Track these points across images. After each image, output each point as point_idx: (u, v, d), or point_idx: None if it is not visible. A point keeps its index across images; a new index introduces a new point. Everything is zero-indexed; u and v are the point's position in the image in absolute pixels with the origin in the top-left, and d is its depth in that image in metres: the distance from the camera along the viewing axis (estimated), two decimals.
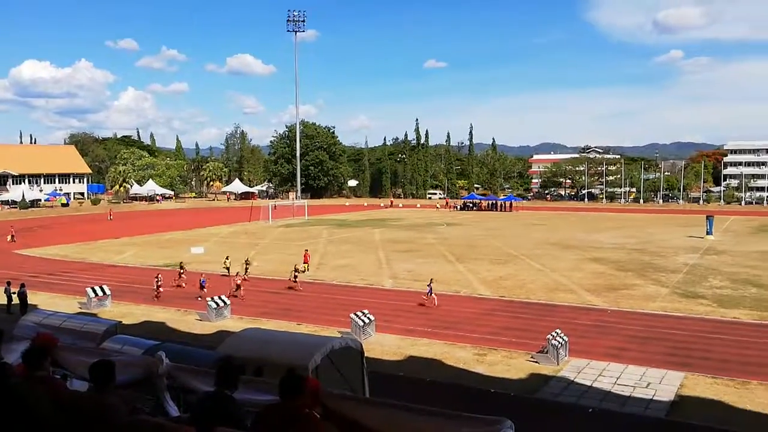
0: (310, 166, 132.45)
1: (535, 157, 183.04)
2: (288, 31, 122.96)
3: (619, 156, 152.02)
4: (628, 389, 18.00)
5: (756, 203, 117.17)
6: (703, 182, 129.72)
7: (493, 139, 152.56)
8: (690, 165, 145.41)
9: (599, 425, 15.30)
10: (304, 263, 38.42)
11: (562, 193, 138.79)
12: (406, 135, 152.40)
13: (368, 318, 24.13)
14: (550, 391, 18.08)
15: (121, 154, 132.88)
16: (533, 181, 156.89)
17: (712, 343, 22.94)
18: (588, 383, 18.57)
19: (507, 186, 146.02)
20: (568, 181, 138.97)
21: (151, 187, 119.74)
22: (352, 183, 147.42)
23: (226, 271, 36.06)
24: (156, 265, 41.59)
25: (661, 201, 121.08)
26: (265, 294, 31.90)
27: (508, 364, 20.60)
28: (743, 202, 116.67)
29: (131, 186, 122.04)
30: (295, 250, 45.79)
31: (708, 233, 56.89)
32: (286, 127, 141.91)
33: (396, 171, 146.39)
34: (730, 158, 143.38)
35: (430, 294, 28.74)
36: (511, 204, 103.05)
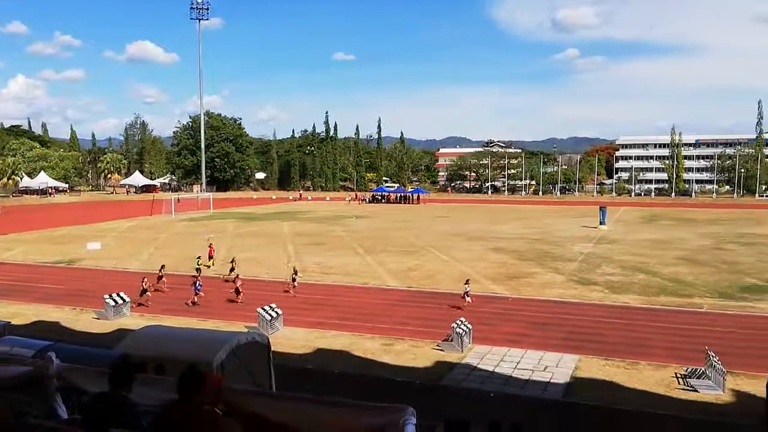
0: (215, 158, 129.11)
1: (442, 150, 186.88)
2: (191, 18, 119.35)
3: (520, 150, 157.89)
4: (527, 373, 18.83)
5: (644, 195, 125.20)
6: (597, 175, 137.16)
7: (402, 132, 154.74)
8: (585, 159, 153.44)
9: (500, 409, 15.90)
10: (209, 257, 37.49)
11: (467, 185, 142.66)
12: (314, 127, 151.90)
13: (276, 312, 23.90)
14: (454, 378, 18.61)
15: (10, 144, 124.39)
16: (440, 174, 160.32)
17: (604, 327, 24.35)
18: (490, 369, 19.27)
19: (415, 179, 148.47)
20: (472, 174, 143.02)
21: (43, 179, 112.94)
22: (260, 176, 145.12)
23: (196, 271, 33.18)
24: (48, 263, 39.34)
25: (558, 193, 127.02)
26: (167, 290, 30.81)
27: (415, 353, 21.01)
28: (633, 194, 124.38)
29: (21, 179, 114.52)
30: (199, 244, 44.56)
31: (601, 223, 60.26)
32: (190, 117, 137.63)
33: (305, 163, 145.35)
34: (621, 152, 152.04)
35: (466, 295, 27.22)
36: (418, 197, 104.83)
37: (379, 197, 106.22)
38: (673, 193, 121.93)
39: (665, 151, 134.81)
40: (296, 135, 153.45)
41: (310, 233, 56.27)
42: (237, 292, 28.26)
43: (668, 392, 17.47)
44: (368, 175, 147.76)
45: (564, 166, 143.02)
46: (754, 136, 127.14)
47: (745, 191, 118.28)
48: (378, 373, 18.93)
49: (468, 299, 27.20)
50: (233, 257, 34.92)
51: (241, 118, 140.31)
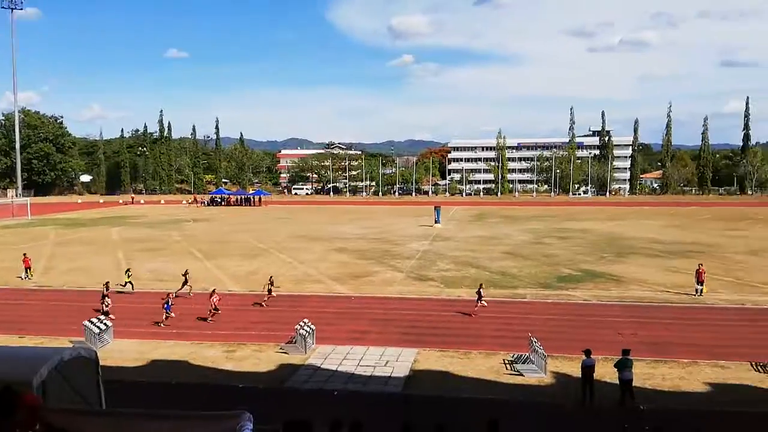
0: (33, 159, 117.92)
1: (283, 152, 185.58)
2: (3, 7, 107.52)
3: (360, 152, 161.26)
4: (369, 369, 19.28)
5: (474, 194, 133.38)
6: (432, 176, 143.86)
7: (241, 133, 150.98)
8: (421, 161, 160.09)
9: (343, 406, 16.12)
10: (26, 269, 34.15)
11: (310, 187, 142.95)
12: (146, 127, 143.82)
13: (105, 324, 22.32)
14: (298, 380, 18.58)
15: None
16: (282, 175, 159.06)
17: (440, 320, 25.58)
18: (334, 368, 19.48)
19: (256, 180, 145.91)
20: (314, 175, 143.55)
21: None
22: (85, 178, 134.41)
23: (122, 287, 30.13)
24: None
25: (397, 194, 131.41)
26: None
27: (258, 358, 20.67)
28: (464, 194, 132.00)
29: None
30: (14, 255, 40.36)
31: (436, 222, 63.31)
32: (3, 115, 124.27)
33: (137, 165, 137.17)
34: (453, 155, 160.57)
35: (480, 300, 26.56)
36: (260, 198, 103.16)
37: (219, 200, 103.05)
38: (499, 193, 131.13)
39: (492, 154, 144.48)
40: (126, 135, 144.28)
41: (143, 239, 53.18)
42: (214, 309, 25.42)
43: (498, 378, 18.76)
44: (207, 177, 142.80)
45: (402, 168, 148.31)
46: (567, 140, 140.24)
47: (560, 190, 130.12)
48: (220, 381, 18.39)
49: (483, 303, 26.49)
50: (186, 270, 30.83)
51: (62, 117, 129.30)
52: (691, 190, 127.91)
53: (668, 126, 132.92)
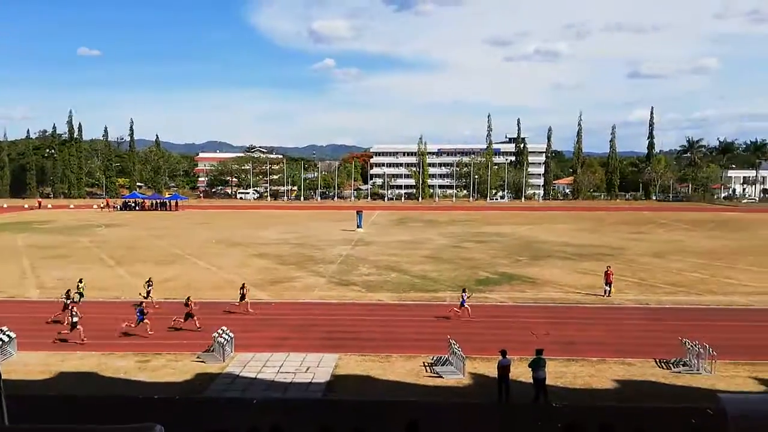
0: None
1: (202, 155, 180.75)
2: None
3: (281, 156, 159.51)
4: (290, 376, 19.09)
5: (396, 199, 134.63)
6: (354, 181, 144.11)
7: (157, 135, 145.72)
8: (343, 165, 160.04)
9: (262, 414, 15.89)
10: None
11: (229, 191, 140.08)
12: (55, 128, 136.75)
13: (8, 336, 21.05)
14: (216, 389, 18.15)
15: None
16: (200, 179, 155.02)
17: (361, 324, 25.66)
18: (253, 375, 19.16)
19: (173, 184, 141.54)
20: (234, 179, 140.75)
21: None
22: None
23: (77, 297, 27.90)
24: None
25: (319, 198, 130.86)
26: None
27: (174, 368, 20.04)
28: (386, 198, 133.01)
29: None
30: None
31: (358, 227, 63.49)
32: None
33: (44, 168, 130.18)
34: (375, 160, 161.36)
35: (463, 305, 26.15)
36: (176, 203, 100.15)
37: (133, 204, 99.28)
38: (420, 198, 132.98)
39: (413, 159, 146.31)
40: (32, 136, 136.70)
41: (50, 245, 50.51)
42: (188, 316, 24.48)
43: (418, 380, 19.01)
44: (120, 180, 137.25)
45: (324, 172, 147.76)
46: (485, 146, 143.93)
47: (479, 195, 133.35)
48: (132, 393, 17.70)
49: (467, 307, 26.13)
50: (149, 278, 29.87)
51: None
52: (600, 195, 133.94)
53: (579, 134, 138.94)
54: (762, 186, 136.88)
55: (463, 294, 26.62)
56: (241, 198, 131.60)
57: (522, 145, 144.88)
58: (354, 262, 41.90)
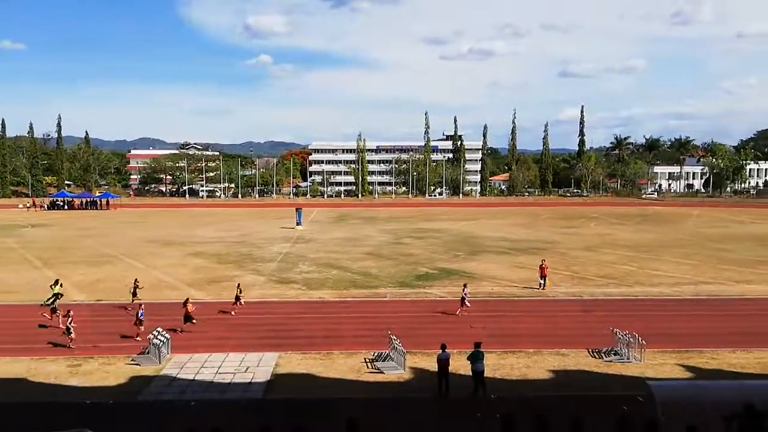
0: None
1: (134, 152, 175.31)
2: None
3: (218, 153, 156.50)
4: (229, 376, 18.77)
5: (336, 196, 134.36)
6: (293, 178, 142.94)
7: (86, 132, 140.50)
8: (282, 162, 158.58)
9: (201, 416, 15.59)
10: None
11: (163, 189, 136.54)
12: None
13: None
14: (152, 391, 17.67)
15: None
16: (132, 177, 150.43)
17: (303, 322, 25.48)
18: (191, 377, 18.74)
19: (104, 182, 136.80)
20: (168, 177, 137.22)
21: None
22: None
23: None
24: None
25: (257, 196, 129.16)
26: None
27: (107, 371, 19.39)
28: (326, 195, 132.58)
29: None
30: None
31: (298, 224, 63.02)
32: None
33: None
34: (314, 157, 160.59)
35: (464, 302, 26.26)
36: (107, 201, 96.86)
37: (61, 203, 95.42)
38: (360, 194, 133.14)
39: (352, 156, 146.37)
40: None
41: None
42: (186, 318, 23.72)
43: (359, 377, 19.04)
44: (47, 178, 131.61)
45: (262, 170, 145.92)
46: (423, 144, 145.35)
47: (417, 192, 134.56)
48: (64, 399, 17.04)
49: (467, 304, 26.28)
50: (136, 279, 28.71)
51: None
52: (535, 191, 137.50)
53: (513, 132, 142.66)
54: (686, 181, 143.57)
55: (464, 289, 27.02)
56: (203, 196, 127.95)
57: (459, 143, 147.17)
58: (294, 260, 41.57)
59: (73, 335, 21.53)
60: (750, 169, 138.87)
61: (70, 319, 21.99)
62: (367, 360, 20.38)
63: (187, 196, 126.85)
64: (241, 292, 27.80)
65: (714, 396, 12.29)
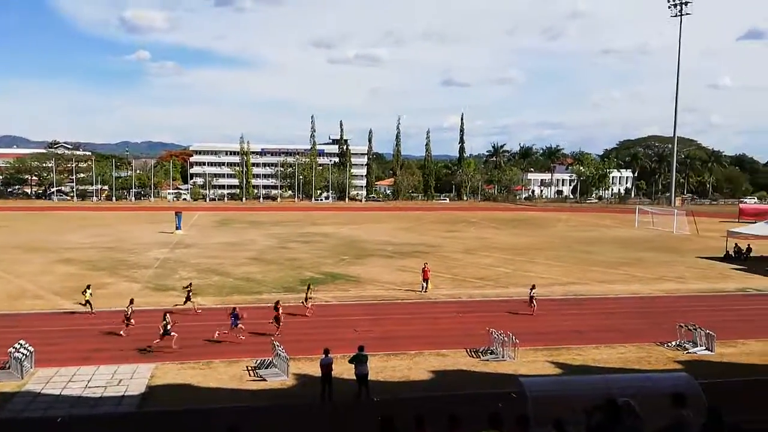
0: None
1: None
2: None
3: (90, 153, 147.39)
4: (100, 390, 17.74)
5: (219, 199, 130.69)
6: (173, 180, 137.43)
7: None
8: (161, 164, 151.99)
9: None
10: None
11: (29, 191, 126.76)
12: None
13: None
14: (13, 408, 16.35)
15: None
16: None
17: (180, 331, 24.46)
18: (57, 392, 17.53)
19: None
20: (34, 178, 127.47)
21: None
22: None
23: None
24: None
25: (134, 198, 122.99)
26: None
27: None
28: (208, 199, 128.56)
29: None
30: None
31: (177, 228, 60.67)
32: None
33: None
34: (195, 158, 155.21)
35: (532, 302, 27.84)
36: None
37: None
38: (244, 198, 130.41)
39: (236, 158, 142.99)
40: None
41: None
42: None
43: (241, 385, 18.64)
44: None
45: (139, 171, 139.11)
46: (309, 147, 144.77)
47: (303, 196, 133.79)
48: None
49: (534, 305, 27.65)
50: (190, 282, 29.10)
51: None
52: (418, 196, 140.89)
53: (398, 137, 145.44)
54: (556, 188, 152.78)
55: (532, 290, 28.30)
56: (73, 198, 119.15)
57: (345, 147, 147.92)
58: (173, 266, 39.99)
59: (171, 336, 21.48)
60: (612, 177, 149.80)
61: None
62: (250, 368, 20.00)
63: (55, 198, 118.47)
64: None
65: (579, 390, 13.18)
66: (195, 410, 16.47)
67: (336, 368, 17.89)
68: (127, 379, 18.66)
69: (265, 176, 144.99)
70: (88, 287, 27.52)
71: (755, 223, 55.55)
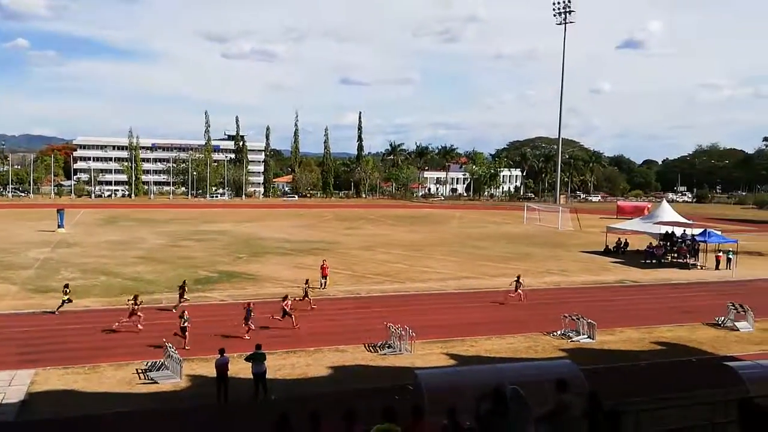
0: None
1: None
2: None
3: None
4: None
5: (106, 196, 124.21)
6: (55, 176, 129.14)
7: None
8: (41, 158, 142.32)
9: None
10: None
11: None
12: None
13: None
14: None
15: None
16: None
17: (64, 334, 23.19)
18: None
19: None
20: None
21: None
22: None
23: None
24: None
25: (10, 195, 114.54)
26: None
27: None
28: (94, 195, 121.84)
29: None
30: None
31: (60, 226, 57.07)
32: None
33: None
34: (80, 153, 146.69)
35: (517, 289, 29.70)
36: None
37: None
38: (134, 195, 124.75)
39: (125, 153, 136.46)
40: None
41: None
42: (285, 313, 24.31)
43: (130, 389, 17.87)
44: None
45: (16, 166, 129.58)
46: (204, 143, 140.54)
47: (198, 192, 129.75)
48: None
49: (521, 292, 29.51)
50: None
51: None
52: (317, 193, 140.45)
53: (296, 134, 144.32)
54: (451, 186, 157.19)
55: (518, 280, 30.59)
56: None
57: (241, 143, 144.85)
58: (54, 266, 37.62)
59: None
60: (503, 176, 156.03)
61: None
62: (140, 371, 19.22)
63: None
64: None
65: (471, 380, 13.67)
66: (79, 417, 15.61)
67: (232, 368, 17.56)
68: (4, 386, 17.39)
69: (157, 172, 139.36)
70: (66, 286, 26.86)
71: (632, 219, 59.85)
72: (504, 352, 22.19)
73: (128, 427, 15.24)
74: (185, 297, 27.27)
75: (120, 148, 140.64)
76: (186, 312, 22.77)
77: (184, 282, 28.60)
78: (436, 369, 18.69)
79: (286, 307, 24.78)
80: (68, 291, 26.52)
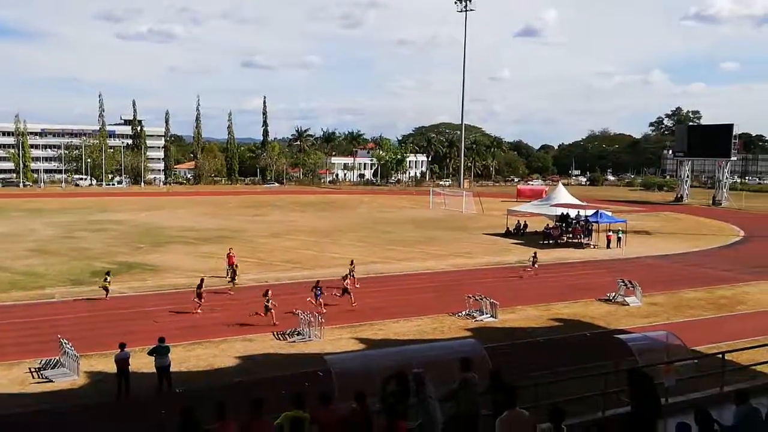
0: None
1: None
2: None
3: None
4: None
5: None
6: None
7: None
8: None
9: None
10: None
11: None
12: None
13: None
14: None
15: None
16: None
17: None
18: None
19: None
20: None
21: None
22: None
23: None
24: None
25: None
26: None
27: None
28: None
29: None
30: None
31: None
32: None
33: None
34: None
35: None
36: None
37: None
38: (21, 183, 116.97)
39: (11, 140, 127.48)
40: None
41: None
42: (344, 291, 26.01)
43: (23, 389, 16.93)
44: None
45: None
46: (98, 128, 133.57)
47: (93, 180, 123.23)
48: None
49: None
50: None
51: None
52: (221, 180, 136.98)
53: (198, 119, 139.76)
54: (358, 171, 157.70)
55: (533, 257, 35.12)
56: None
57: (139, 128, 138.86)
58: None
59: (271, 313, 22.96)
60: (409, 161, 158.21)
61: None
62: (33, 369, 18.19)
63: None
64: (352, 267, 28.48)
65: (380, 363, 13.91)
66: None
67: (134, 362, 16.95)
68: None
69: (48, 159, 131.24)
70: (108, 274, 27.65)
71: (530, 202, 62.41)
72: (412, 334, 22.65)
73: (22, 429, 14.43)
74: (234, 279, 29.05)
75: (6, 134, 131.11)
76: (270, 291, 24.18)
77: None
78: (345, 354, 18.82)
79: (347, 286, 26.47)
80: None
